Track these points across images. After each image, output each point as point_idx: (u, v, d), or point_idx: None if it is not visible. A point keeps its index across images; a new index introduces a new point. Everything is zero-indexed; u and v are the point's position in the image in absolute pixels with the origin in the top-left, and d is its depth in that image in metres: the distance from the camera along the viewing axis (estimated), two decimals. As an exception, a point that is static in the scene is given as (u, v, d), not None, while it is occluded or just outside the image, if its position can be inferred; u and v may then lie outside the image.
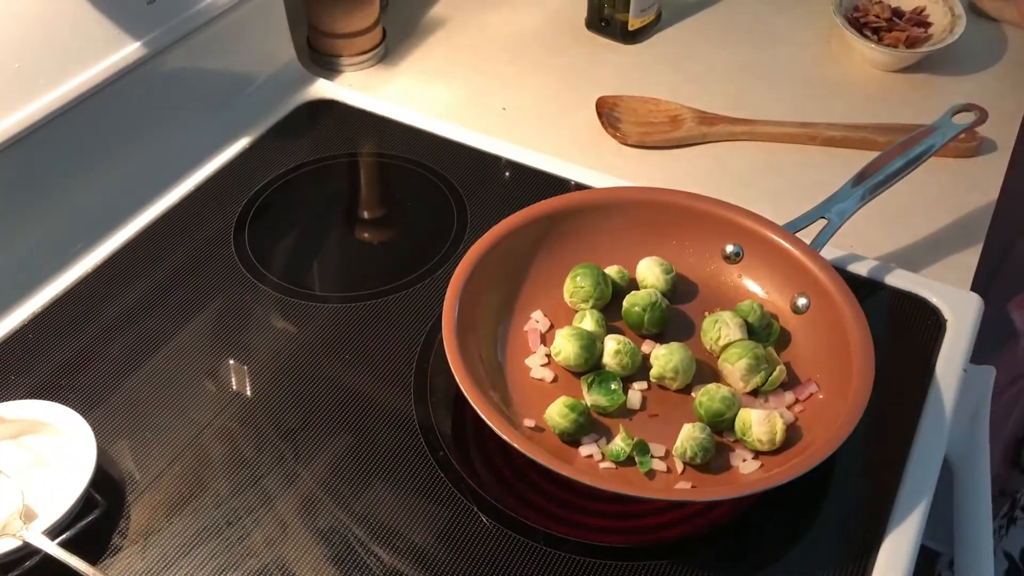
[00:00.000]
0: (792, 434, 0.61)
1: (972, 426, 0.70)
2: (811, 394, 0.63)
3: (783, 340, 0.67)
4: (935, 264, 0.76)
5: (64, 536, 0.55)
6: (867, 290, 0.73)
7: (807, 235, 0.70)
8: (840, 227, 0.70)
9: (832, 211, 0.70)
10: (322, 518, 0.59)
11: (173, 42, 0.78)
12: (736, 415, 0.61)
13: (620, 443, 0.60)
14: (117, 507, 0.58)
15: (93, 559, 0.54)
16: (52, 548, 0.53)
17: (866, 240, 0.77)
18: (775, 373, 0.64)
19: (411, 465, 0.61)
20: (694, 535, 0.58)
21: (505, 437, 0.56)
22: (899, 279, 0.73)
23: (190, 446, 0.62)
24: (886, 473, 0.61)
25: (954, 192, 0.83)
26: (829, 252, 0.74)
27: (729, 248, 0.71)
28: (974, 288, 0.74)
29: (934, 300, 0.72)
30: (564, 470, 0.55)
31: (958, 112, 0.74)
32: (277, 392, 0.66)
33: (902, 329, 0.71)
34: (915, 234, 0.79)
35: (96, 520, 0.57)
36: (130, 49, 0.74)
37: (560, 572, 0.56)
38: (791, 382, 0.65)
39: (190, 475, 0.61)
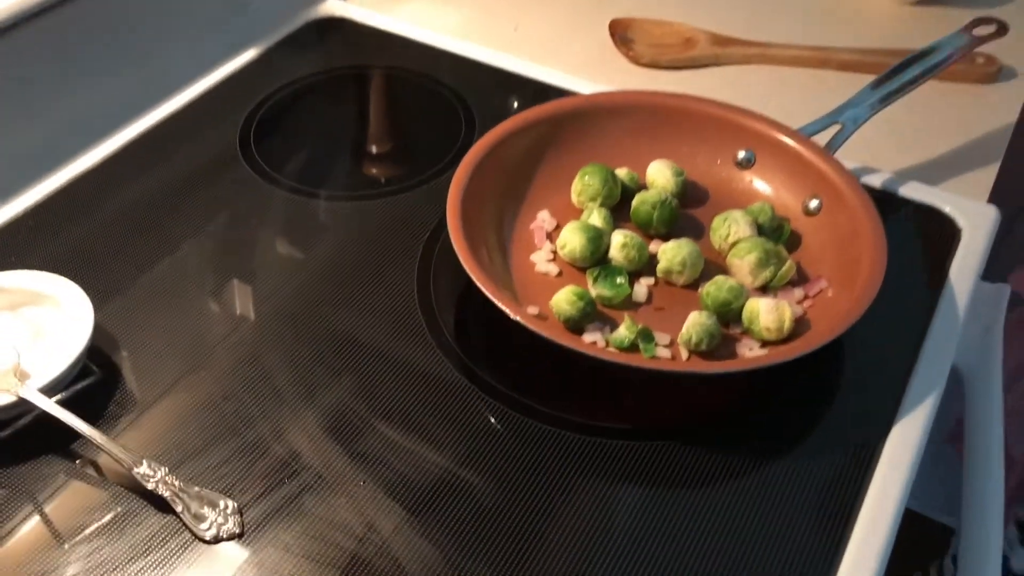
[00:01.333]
0: (800, 327, 0.60)
1: (985, 338, 0.69)
2: (820, 290, 0.62)
3: (795, 241, 0.66)
4: (951, 179, 0.75)
5: (59, 396, 0.54)
6: (881, 201, 0.70)
7: (821, 141, 0.69)
8: (853, 133, 0.69)
9: (846, 116, 0.69)
10: (322, 397, 0.58)
11: (183, -60, 0.77)
12: (743, 305, 0.60)
13: (624, 331, 0.59)
14: (113, 379, 0.58)
15: (89, 422, 0.54)
16: (47, 404, 0.52)
17: (882, 159, 0.76)
18: (784, 268, 0.62)
19: (412, 347, 0.61)
20: (696, 421, 0.57)
21: (510, 313, 0.55)
22: (914, 191, 0.72)
23: (190, 326, 0.62)
24: (894, 374, 0.60)
25: (973, 116, 0.81)
26: (843, 163, 0.73)
27: (741, 154, 0.70)
28: (994, 207, 0.72)
29: (948, 210, 0.70)
30: (571, 343, 0.54)
31: (978, 24, 0.72)
32: (281, 288, 0.65)
33: (916, 239, 0.69)
34: (932, 153, 0.78)
35: (91, 387, 0.56)
36: (139, -59, 0.73)
37: (560, 449, 0.55)
38: (801, 279, 0.64)
39: (188, 353, 0.60)
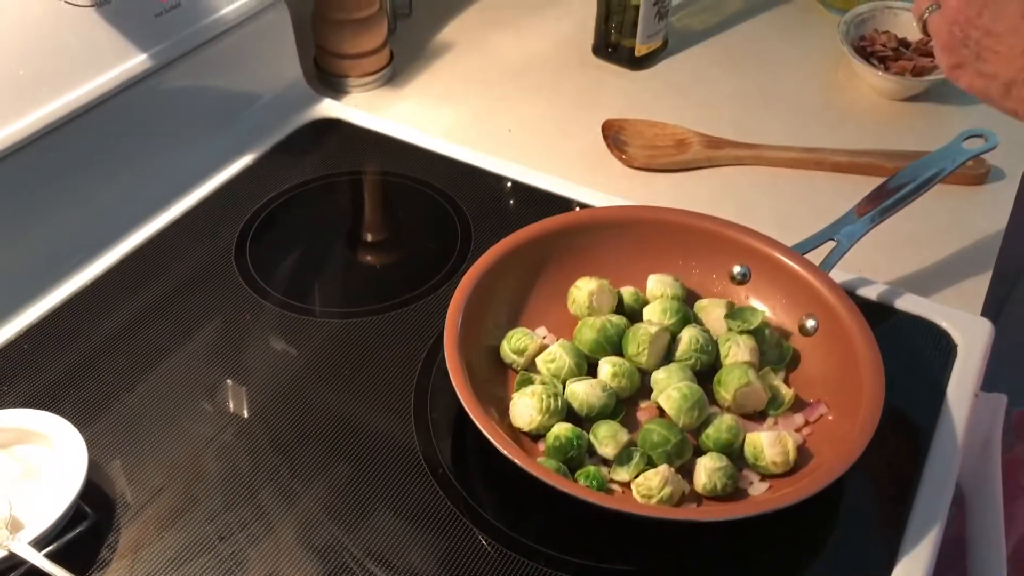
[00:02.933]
0: (802, 457, 0.60)
1: (983, 452, 0.69)
2: (820, 416, 0.62)
3: (792, 361, 0.66)
4: (945, 290, 0.75)
5: (51, 548, 0.53)
6: (876, 314, 0.71)
7: (815, 257, 0.69)
8: (848, 249, 0.69)
9: (841, 233, 0.70)
10: (317, 535, 0.57)
11: (179, 56, 0.78)
12: (743, 442, 0.60)
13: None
14: (107, 520, 0.57)
15: (80, 572, 0.53)
16: (38, 559, 0.51)
17: (875, 265, 0.76)
18: (786, 397, 0.62)
19: (409, 483, 0.60)
20: (702, 559, 0.57)
21: (506, 452, 0.55)
22: (908, 303, 0.72)
23: (185, 461, 0.61)
24: (897, 499, 0.60)
25: (963, 219, 0.82)
26: (837, 276, 0.73)
27: (736, 269, 0.70)
28: (988, 321, 0.73)
29: (944, 325, 0.71)
30: (567, 488, 0.54)
31: (968, 138, 0.73)
32: (275, 407, 0.65)
33: (912, 354, 0.69)
34: (924, 260, 0.78)
35: (84, 533, 0.55)
36: (135, 61, 0.74)
37: (561, 594, 0.54)
38: (799, 404, 0.63)
39: (183, 490, 0.59)
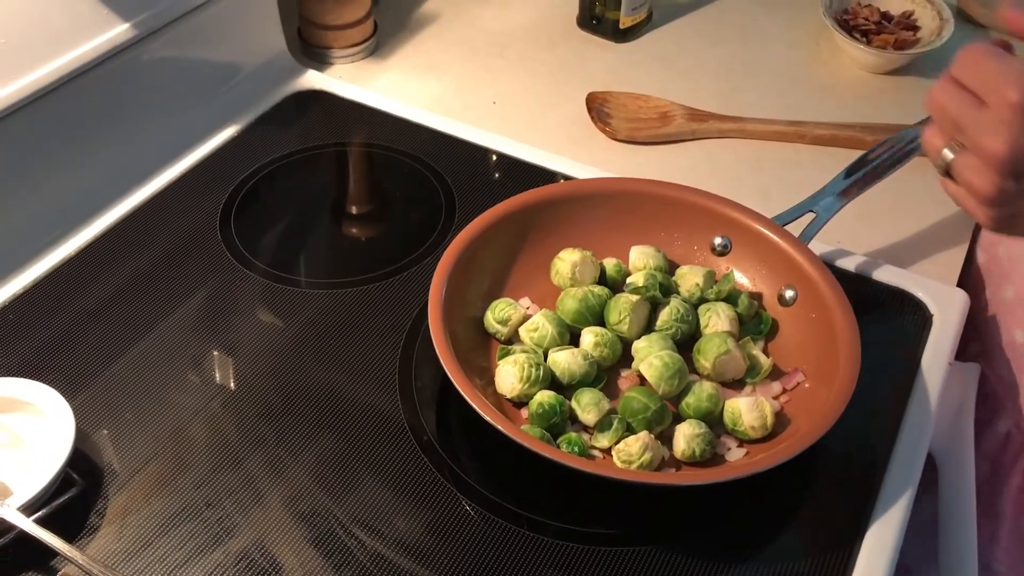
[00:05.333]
0: (779, 423, 0.61)
1: (956, 420, 0.70)
2: (798, 383, 0.63)
3: (770, 331, 0.67)
4: (921, 261, 0.76)
5: (40, 514, 0.54)
6: (854, 285, 0.72)
7: (795, 229, 0.70)
8: (827, 221, 0.70)
9: (819, 205, 0.71)
10: (304, 502, 0.58)
11: (162, 26, 0.77)
12: (722, 409, 0.61)
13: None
14: (95, 487, 0.58)
15: (69, 537, 0.53)
16: (27, 524, 0.52)
17: (853, 236, 0.77)
18: (764, 366, 0.64)
19: (394, 451, 0.61)
20: (679, 522, 0.58)
21: (489, 419, 0.56)
22: (886, 274, 0.74)
23: (172, 429, 0.62)
24: (871, 464, 0.61)
25: (942, 192, 0.82)
26: (816, 247, 0.75)
27: (717, 240, 0.71)
28: (963, 291, 0.74)
29: (920, 295, 0.72)
30: (550, 453, 0.55)
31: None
32: (261, 377, 0.65)
33: (888, 323, 0.71)
34: (902, 231, 0.79)
35: (73, 499, 0.56)
36: (118, 31, 0.73)
37: (544, 557, 0.56)
38: (777, 372, 0.65)
39: (170, 458, 0.60)
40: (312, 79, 0.92)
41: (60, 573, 0.53)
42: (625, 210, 0.72)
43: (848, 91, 0.95)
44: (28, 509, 0.53)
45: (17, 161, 0.70)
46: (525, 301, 0.69)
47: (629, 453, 0.58)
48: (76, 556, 0.52)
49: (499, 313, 0.66)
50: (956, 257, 0.77)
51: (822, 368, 0.62)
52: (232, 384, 0.65)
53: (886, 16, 1.00)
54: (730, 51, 1.00)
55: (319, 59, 0.96)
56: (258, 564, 0.54)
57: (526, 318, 0.66)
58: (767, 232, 0.68)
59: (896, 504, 0.59)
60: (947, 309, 0.71)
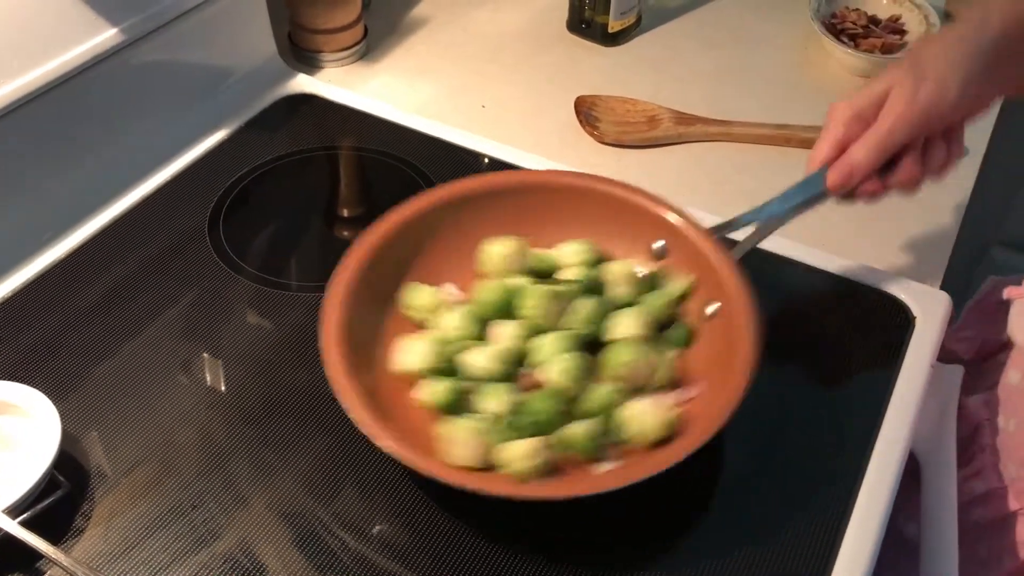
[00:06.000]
0: (674, 432, 0.59)
1: (939, 422, 0.71)
2: (691, 399, 0.62)
3: (687, 341, 0.65)
4: (905, 263, 0.77)
5: (25, 516, 0.54)
6: (837, 286, 0.73)
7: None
8: (766, 236, 0.67)
9: (764, 214, 0.67)
10: (288, 504, 0.58)
11: (152, 30, 0.78)
12: (615, 412, 0.59)
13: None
14: (81, 490, 0.58)
15: (55, 540, 0.54)
16: (12, 527, 0.52)
17: (837, 239, 0.78)
18: (666, 375, 0.62)
19: (377, 452, 0.61)
20: (639, 527, 0.59)
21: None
22: (869, 276, 0.74)
23: (159, 432, 0.62)
24: (852, 463, 0.62)
25: (925, 194, 0.83)
26: (800, 250, 0.75)
27: (656, 244, 0.69)
28: (946, 294, 0.74)
29: (903, 297, 0.72)
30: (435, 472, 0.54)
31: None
32: (248, 380, 0.66)
33: (871, 325, 0.71)
34: (885, 234, 0.80)
35: (58, 501, 0.56)
36: (108, 35, 0.74)
37: (510, 553, 0.56)
38: (678, 383, 0.63)
39: (157, 460, 0.60)
40: (302, 83, 0.92)
41: (46, 575, 0.54)
42: (569, 203, 0.70)
43: (835, 95, 0.95)
44: (13, 511, 0.54)
45: (5, 165, 0.71)
46: (451, 287, 0.68)
47: (511, 456, 0.56)
48: (61, 558, 0.52)
49: (419, 299, 0.65)
50: (940, 260, 0.77)
51: (722, 380, 0.59)
52: (218, 386, 0.66)
53: (873, 20, 1.01)
54: (718, 55, 1.01)
55: (309, 63, 0.97)
56: (242, 565, 0.55)
57: (442, 304, 0.65)
58: (699, 240, 0.66)
59: (876, 503, 0.59)
60: (930, 311, 0.71)
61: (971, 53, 0.57)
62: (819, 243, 0.76)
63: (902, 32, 1.00)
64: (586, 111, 0.91)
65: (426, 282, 0.67)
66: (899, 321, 0.71)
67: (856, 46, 0.97)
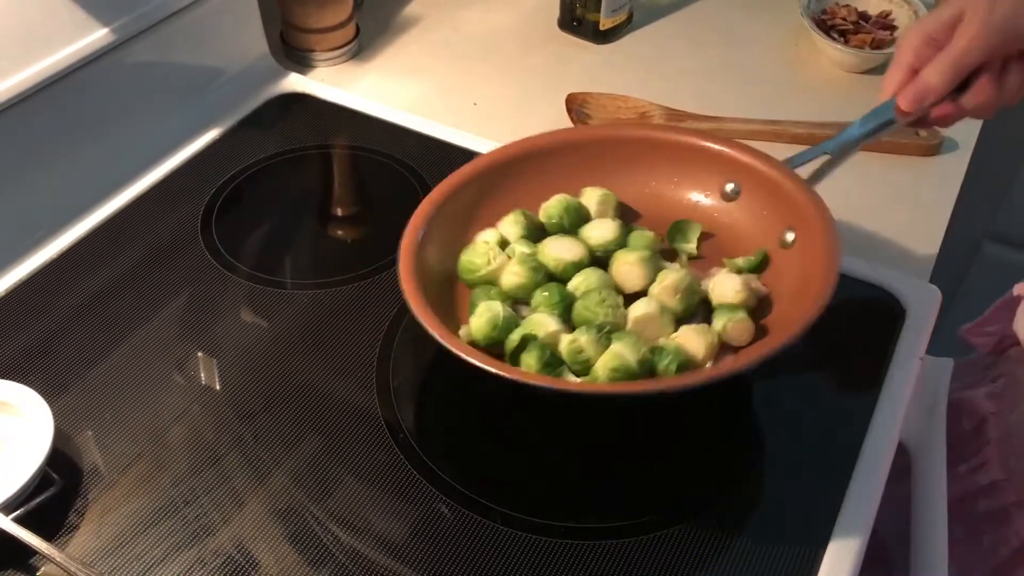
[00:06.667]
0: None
1: (930, 414, 0.71)
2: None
3: (764, 267, 0.67)
4: (896, 257, 0.77)
5: (18, 512, 0.54)
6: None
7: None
8: (841, 163, 0.68)
9: (835, 147, 0.67)
10: (282, 500, 0.59)
11: (143, 30, 0.78)
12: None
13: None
14: (74, 487, 0.58)
15: (48, 536, 0.54)
16: (5, 523, 0.53)
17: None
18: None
19: (372, 448, 0.62)
20: (647, 519, 0.59)
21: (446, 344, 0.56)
22: (860, 269, 0.74)
23: (152, 430, 0.62)
24: (842, 454, 0.62)
25: (916, 189, 0.84)
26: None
27: (729, 187, 0.70)
28: (938, 286, 0.75)
29: (894, 290, 0.73)
30: (501, 370, 0.55)
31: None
32: (241, 377, 0.66)
33: (862, 317, 0.72)
34: (877, 228, 0.80)
35: (52, 498, 0.56)
36: (98, 35, 0.74)
37: (517, 551, 0.56)
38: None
39: (150, 457, 0.61)
40: (294, 82, 0.93)
41: (40, 572, 0.54)
42: (635, 157, 0.71)
43: (826, 90, 0.96)
44: (7, 508, 0.54)
45: (-2, 165, 0.71)
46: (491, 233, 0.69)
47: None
48: (54, 554, 0.52)
49: (476, 255, 0.66)
50: (929, 253, 0.78)
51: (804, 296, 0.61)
52: (212, 384, 0.66)
53: (863, 16, 1.01)
54: (709, 52, 1.01)
55: (301, 62, 0.97)
56: (235, 560, 0.55)
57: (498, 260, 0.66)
58: (773, 173, 0.67)
59: (867, 494, 0.60)
60: (921, 305, 0.72)
61: None
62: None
63: (892, 28, 1.00)
64: (577, 108, 0.91)
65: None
66: (890, 314, 0.71)
67: (846, 42, 0.98)
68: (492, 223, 0.70)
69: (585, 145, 0.72)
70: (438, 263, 0.66)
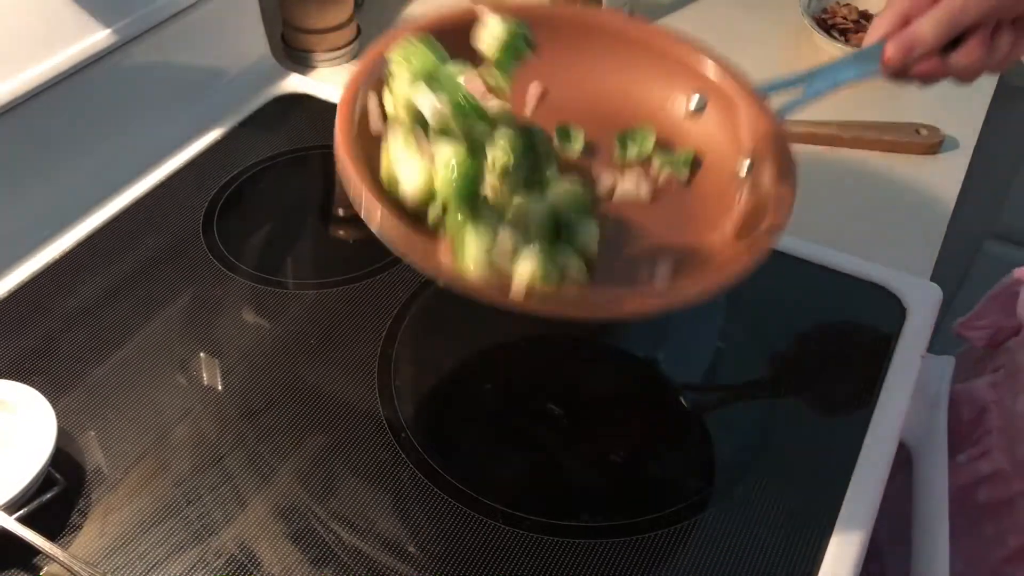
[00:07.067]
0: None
1: (931, 412, 0.71)
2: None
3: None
4: (896, 255, 0.77)
5: (21, 512, 0.54)
6: (828, 277, 0.74)
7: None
8: (808, 101, 0.64)
9: (811, 83, 0.64)
10: (284, 499, 0.59)
11: (143, 31, 0.78)
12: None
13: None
14: (77, 487, 0.58)
15: (51, 535, 0.54)
16: (9, 523, 0.53)
17: (828, 231, 0.78)
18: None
19: (373, 447, 0.62)
20: (644, 518, 0.59)
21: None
22: (861, 268, 0.74)
23: (155, 430, 0.62)
24: (842, 453, 0.62)
25: (916, 188, 0.84)
26: (790, 241, 0.76)
27: (695, 100, 0.64)
28: (940, 284, 0.75)
29: (894, 288, 0.73)
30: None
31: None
32: (243, 377, 0.66)
33: (863, 316, 0.72)
34: (877, 227, 0.80)
35: (55, 498, 0.56)
36: (98, 37, 0.74)
37: (519, 550, 0.56)
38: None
39: (153, 457, 0.61)
40: (295, 82, 0.93)
41: (43, 571, 0.54)
42: (596, 46, 0.62)
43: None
44: (10, 508, 0.54)
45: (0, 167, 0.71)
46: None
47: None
48: (57, 553, 0.53)
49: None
50: (931, 252, 0.78)
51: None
52: (215, 385, 0.66)
53: (864, 15, 1.02)
54: (710, 51, 1.01)
55: (302, 62, 0.97)
56: (238, 559, 0.55)
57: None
58: (739, 95, 0.63)
59: (867, 493, 0.60)
60: (922, 303, 0.72)
61: None
62: (810, 235, 0.77)
63: (892, 27, 1.00)
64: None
65: None
66: (890, 312, 0.72)
67: (847, 41, 0.98)
68: None
69: (556, 25, 0.61)
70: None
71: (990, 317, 0.83)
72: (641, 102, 0.63)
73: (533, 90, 0.62)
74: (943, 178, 0.85)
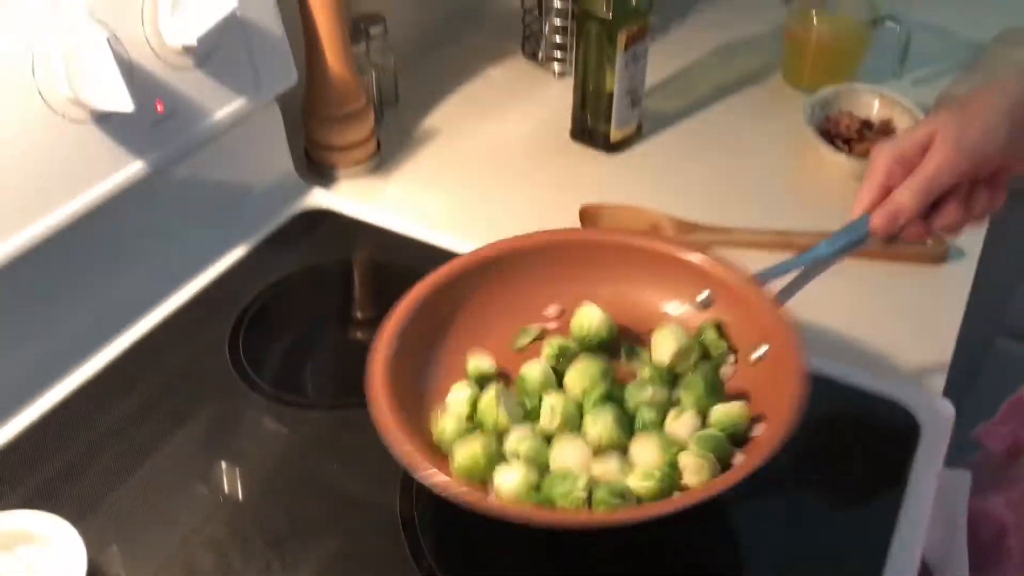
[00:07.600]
0: None
1: (950, 529, 0.71)
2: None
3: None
4: (907, 370, 0.78)
5: (51, 650, 0.55)
6: (840, 393, 0.75)
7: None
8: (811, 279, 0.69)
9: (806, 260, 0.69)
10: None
11: (176, 160, 0.82)
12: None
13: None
14: (105, 619, 0.59)
15: (79, 673, 0.55)
16: (39, 663, 0.53)
17: (837, 345, 0.80)
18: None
19: (397, 567, 0.62)
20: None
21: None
22: (871, 383, 0.75)
23: (179, 555, 0.63)
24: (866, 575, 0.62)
25: (924, 298, 0.86)
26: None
27: (702, 296, 0.71)
28: (951, 389, 0.76)
29: (907, 405, 0.74)
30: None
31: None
32: (266, 499, 0.67)
33: (876, 433, 0.72)
34: (886, 339, 0.81)
35: (83, 633, 0.57)
36: (133, 169, 0.77)
37: None
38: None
39: (178, 585, 0.62)
40: (318, 198, 0.96)
41: None
42: (606, 262, 0.73)
43: (833, 199, 0.98)
44: (40, 645, 0.55)
45: (35, 295, 0.74)
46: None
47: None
48: None
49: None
50: (941, 365, 0.79)
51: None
52: (239, 506, 0.67)
53: (867, 124, 1.05)
54: (716, 162, 1.04)
55: (325, 176, 1.01)
56: None
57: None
58: (742, 288, 0.69)
59: (889, 621, 0.60)
60: (935, 420, 0.73)
61: (1018, 102, 0.58)
62: (818, 345, 0.77)
63: (894, 134, 1.04)
64: (591, 220, 0.94)
65: (463, 347, 0.69)
66: (904, 429, 0.72)
67: (850, 150, 1.01)
68: (469, 335, 0.70)
69: (561, 248, 0.74)
70: (412, 375, 0.67)
71: (1010, 424, 0.84)
72: (663, 304, 0.73)
73: (552, 311, 0.74)
74: (950, 288, 0.87)
